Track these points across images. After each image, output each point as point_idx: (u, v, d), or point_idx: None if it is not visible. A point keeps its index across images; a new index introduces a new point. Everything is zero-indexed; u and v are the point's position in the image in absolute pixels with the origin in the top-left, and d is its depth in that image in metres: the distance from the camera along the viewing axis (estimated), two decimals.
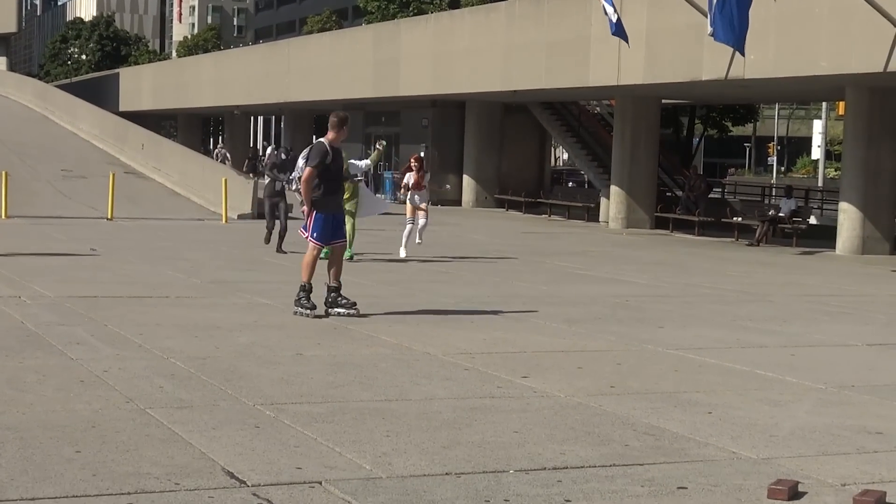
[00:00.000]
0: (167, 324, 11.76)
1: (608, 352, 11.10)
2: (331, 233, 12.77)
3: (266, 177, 21.77)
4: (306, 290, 12.80)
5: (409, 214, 20.71)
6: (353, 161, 18.47)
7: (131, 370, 9.22)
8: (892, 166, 27.63)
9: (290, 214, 21.35)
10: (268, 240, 21.08)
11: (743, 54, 22.12)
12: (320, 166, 12.61)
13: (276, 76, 51.52)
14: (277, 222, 21.05)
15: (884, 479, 6.74)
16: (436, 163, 42.49)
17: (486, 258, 21.32)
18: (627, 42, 25.45)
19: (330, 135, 12.80)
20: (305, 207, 12.89)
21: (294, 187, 16.68)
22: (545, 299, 15.16)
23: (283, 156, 21.80)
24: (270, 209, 21.23)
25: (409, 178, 20.86)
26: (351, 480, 6.32)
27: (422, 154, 27.07)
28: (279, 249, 20.47)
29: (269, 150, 55.35)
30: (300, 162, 14.47)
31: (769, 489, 6.29)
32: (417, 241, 20.69)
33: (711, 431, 7.82)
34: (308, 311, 12.68)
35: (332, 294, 12.88)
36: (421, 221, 20.68)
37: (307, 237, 12.85)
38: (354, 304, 12.89)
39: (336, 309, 12.82)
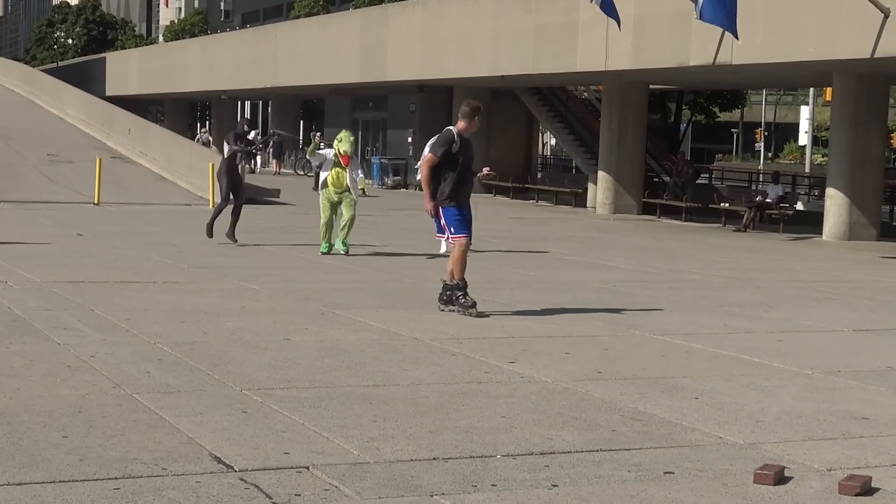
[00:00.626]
0: (154, 309, 11.75)
1: (595, 337, 11.12)
2: (465, 226, 12.03)
3: (226, 146, 19.38)
4: (462, 287, 12.00)
5: None
6: (319, 151, 18.42)
7: (118, 355, 9.20)
8: (879, 152, 27.73)
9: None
10: (210, 228, 19.02)
11: (736, 36, 22.12)
12: (445, 155, 11.85)
13: (263, 61, 51.41)
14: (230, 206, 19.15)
15: (869, 465, 6.77)
16: (422, 148, 42.49)
17: (475, 245, 21.28)
18: (619, 23, 25.34)
19: (460, 124, 12.04)
20: (428, 206, 11.93)
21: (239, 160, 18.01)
22: (533, 284, 15.17)
23: (247, 127, 19.67)
24: (229, 189, 19.04)
25: None
26: (338, 465, 6.32)
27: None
28: (231, 235, 18.84)
29: (201, 135, 55.18)
30: (426, 150, 13.06)
31: (755, 474, 6.31)
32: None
33: (698, 417, 7.84)
34: (472, 311, 11.86)
35: (452, 292, 12.12)
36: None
37: (448, 238, 12.17)
38: (474, 304, 12.02)
39: (455, 307, 12.08)
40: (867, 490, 6.17)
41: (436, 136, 12.72)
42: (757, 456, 6.84)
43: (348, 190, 18.08)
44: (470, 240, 12.22)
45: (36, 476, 5.89)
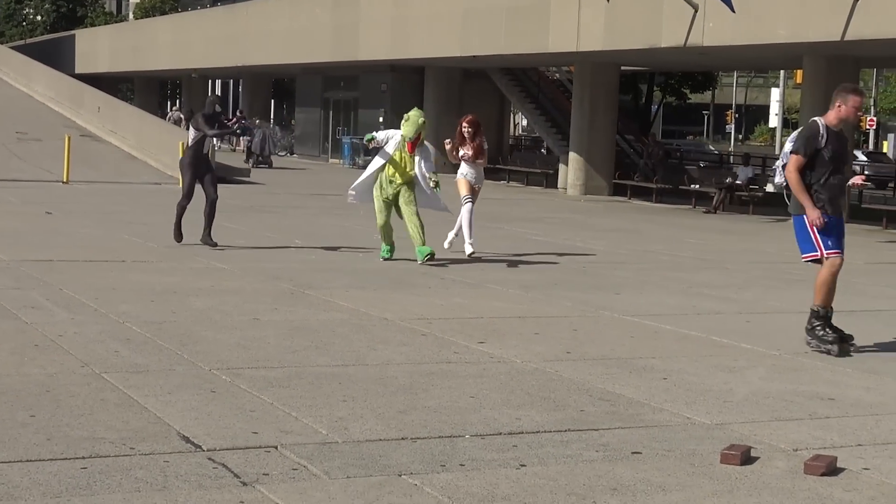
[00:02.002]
0: (123, 288, 11.70)
1: (565, 318, 11.14)
2: (837, 241, 9.91)
3: (192, 132, 16.00)
4: (822, 317, 9.91)
5: (464, 191, 15.69)
6: (426, 145, 15.11)
7: (87, 334, 9.17)
8: (848, 135, 27.81)
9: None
10: (178, 231, 15.73)
11: (732, 10, 22.12)
12: (808, 153, 9.69)
13: (234, 39, 51.17)
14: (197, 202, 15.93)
15: (835, 445, 6.82)
16: (394, 128, 42.40)
17: (443, 224, 21.29)
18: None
19: (830, 114, 9.87)
20: (813, 214, 9.71)
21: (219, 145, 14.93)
22: (503, 265, 15.18)
23: (217, 107, 16.19)
24: (193, 183, 15.75)
25: (465, 149, 15.80)
26: (307, 445, 6.32)
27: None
28: (207, 239, 15.58)
29: (172, 114, 54.91)
30: (787, 147, 10.11)
31: (722, 454, 6.34)
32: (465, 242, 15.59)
33: (666, 397, 7.87)
34: (830, 348, 9.74)
35: (821, 322, 9.97)
36: (464, 214, 15.56)
37: (822, 255, 9.90)
38: (836, 339, 9.84)
39: (812, 340, 9.94)
40: (832, 470, 6.22)
41: (796, 131, 10.41)
42: (724, 436, 6.88)
43: (408, 183, 14.85)
44: (842, 258, 10.04)
45: (3, 455, 5.87)
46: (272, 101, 65.43)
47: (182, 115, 53.27)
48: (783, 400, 7.96)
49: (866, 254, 19.75)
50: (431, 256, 14.44)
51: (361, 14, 40.82)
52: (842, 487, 6.00)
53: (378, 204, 14.82)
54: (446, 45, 36.00)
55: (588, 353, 9.37)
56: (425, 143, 15.04)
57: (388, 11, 39.33)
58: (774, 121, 71.39)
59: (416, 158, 14.77)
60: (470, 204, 15.53)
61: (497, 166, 40.03)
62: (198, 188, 15.73)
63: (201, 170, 15.76)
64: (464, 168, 15.85)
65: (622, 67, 36.25)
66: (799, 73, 39.83)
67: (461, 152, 15.72)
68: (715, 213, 28.91)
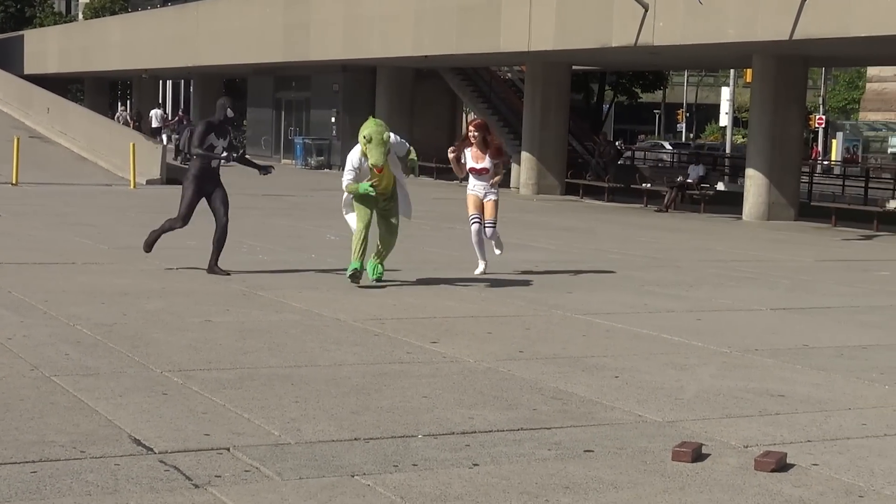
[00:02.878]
0: (73, 290, 11.62)
1: (517, 317, 11.17)
2: None
3: (194, 141, 13.36)
4: None
5: (471, 209, 14.15)
6: (394, 139, 12.90)
7: (36, 337, 9.10)
8: (797, 133, 28.07)
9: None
10: (151, 244, 13.84)
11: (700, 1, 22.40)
12: None
13: (184, 39, 50.88)
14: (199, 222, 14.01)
15: (785, 441, 6.88)
16: (346, 128, 42.33)
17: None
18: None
19: None
20: None
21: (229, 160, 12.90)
22: (456, 265, 15.19)
23: (230, 112, 13.43)
24: (193, 200, 13.45)
25: (468, 154, 14.12)
26: (259, 447, 6.31)
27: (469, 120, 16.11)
28: (214, 268, 13.30)
29: (155, 112, 54.62)
30: None
31: (673, 451, 6.38)
32: (496, 251, 14.43)
33: (618, 395, 7.91)
34: None
35: None
36: (488, 230, 14.11)
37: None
38: None
39: None
40: (782, 466, 6.27)
41: None
42: (675, 433, 6.93)
43: (389, 196, 12.93)
44: None
45: None
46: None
47: (129, 117, 52.96)
48: (734, 397, 8.02)
49: (816, 251, 19.94)
50: (355, 275, 12.54)
51: (313, 14, 40.70)
52: (791, 483, 6.05)
53: (358, 206, 12.74)
54: (398, 44, 35.97)
55: (540, 352, 9.40)
56: (390, 143, 12.67)
57: (340, 11, 39.24)
58: (725, 119, 71.78)
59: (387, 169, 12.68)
60: (476, 225, 13.98)
61: (450, 166, 40.07)
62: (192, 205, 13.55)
63: (208, 187, 13.27)
64: (472, 180, 14.14)
65: (573, 67, 36.34)
66: (748, 72, 40.10)
67: (469, 163, 14.03)
68: (666, 211, 29.06)
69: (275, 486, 5.68)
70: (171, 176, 30.52)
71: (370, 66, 41.39)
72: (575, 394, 7.91)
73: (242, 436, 6.50)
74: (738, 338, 10.45)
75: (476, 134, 13.92)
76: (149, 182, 29.84)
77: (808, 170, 39.58)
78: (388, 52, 36.62)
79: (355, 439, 6.55)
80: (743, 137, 66.54)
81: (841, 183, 41.39)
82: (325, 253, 15.70)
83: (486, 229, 14.05)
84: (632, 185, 32.69)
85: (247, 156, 15.07)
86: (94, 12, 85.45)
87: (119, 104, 78.45)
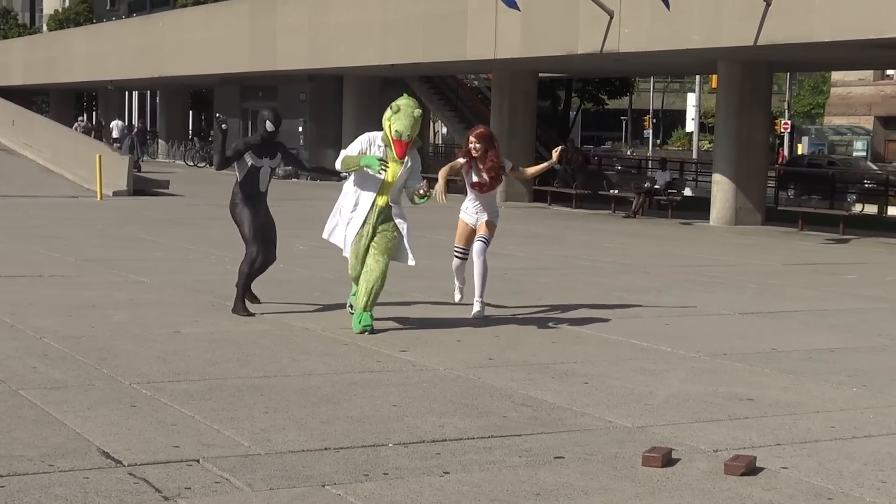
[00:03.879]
0: (40, 303, 11.55)
1: (487, 324, 11.16)
2: None
3: (234, 158, 11.28)
4: None
5: (457, 239, 12.02)
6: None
7: (3, 351, 9.04)
8: (763, 138, 28.24)
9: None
10: (242, 302, 11.30)
11: (668, 7, 22.55)
12: None
13: (150, 50, 50.73)
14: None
15: (754, 445, 6.91)
16: (314, 137, 42.29)
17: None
18: (517, 7, 25.24)
19: None
20: None
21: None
22: (425, 273, 15.18)
23: (269, 126, 11.55)
24: (255, 224, 11.29)
25: (468, 168, 11.77)
26: (229, 458, 6.29)
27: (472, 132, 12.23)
28: (246, 298, 11.44)
29: (116, 123, 54.53)
30: None
31: (643, 457, 6.40)
32: (476, 278, 11.62)
33: (588, 401, 7.92)
34: None
35: None
36: (478, 244, 11.67)
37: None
38: None
39: None
40: (752, 470, 6.30)
41: None
42: (645, 439, 6.94)
43: (389, 211, 10.71)
44: None
45: None
46: (190, 112, 64.88)
47: (88, 127, 52.71)
48: (703, 402, 8.04)
49: (783, 255, 20.04)
50: (369, 330, 10.39)
51: (278, 23, 40.65)
52: (761, 487, 6.07)
53: (357, 247, 10.66)
54: (365, 53, 35.97)
55: (510, 359, 9.40)
56: (415, 149, 10.87)
57: (306, 20, 39.21)
58: (691, 125, 72.12)
59: (405, 167, 10.71)
60: (459, 261, 12.00)
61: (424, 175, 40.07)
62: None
63: (260, 214, 11.33)
64: (467, 199, 11.99)
65: (540, 74, 36.44)
66: (714, 77, 40.28)
67: (473, 176, 11.74)
68: (634, 217, 29.14)
69: (245, 497, 5.66)
70: (137, 188, 30.41)
71: (337, 76, 41.37)
72: (545, 400, 7.91)
73: (212, 447, 6.48)
74: (706, 342, 10.49)
75: (478, 146, 11.61)
76: (115, 194, 29.69)
77: (774, 174, 39.77)
78: (355, 61, 36.61)
79: (325, 449, 6.53)
80: (710, 143, 66.85)
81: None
82: (294, 263, 15.66)
83: (476, 243, 11.70)
84: (599, 192, 32.77)
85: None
86: (59, 24, 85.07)
87: (76, 115, 78.06)
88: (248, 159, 11.24)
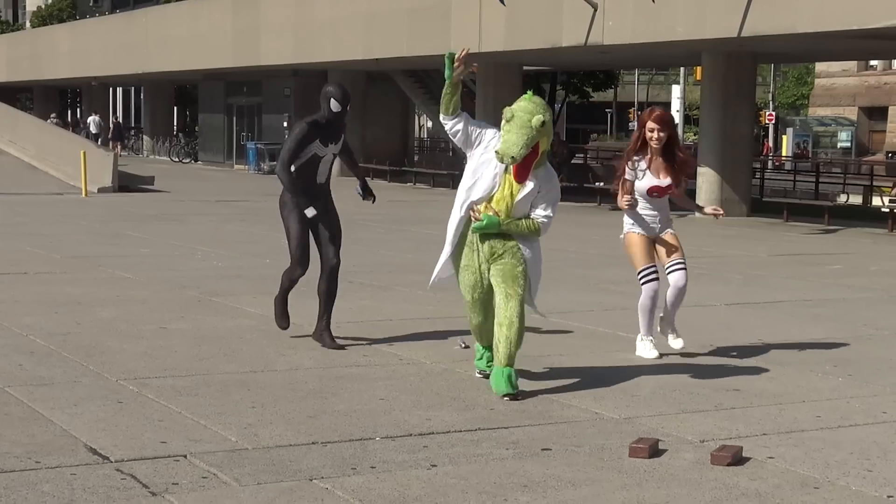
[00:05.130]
0: (26, 300, 11.53)
1: None
2: None
3: (285, 153, 9.37)
4: None
5: (640, 258, 9.58)
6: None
7: None
8: (748, 130, 28.30)
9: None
10: (283, 311, 9.83)
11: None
12: None
13: (134, 46, 50.62)
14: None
15: (741, 435, 6.93)
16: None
17: (351, 227, 21.26)
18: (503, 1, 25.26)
19: None
20: None
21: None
22: (411, 267, 15.19)
23: (335, 107, 9.47)
24: (304, 231, 9.44)
25: (641, 166, 9.27)
26: (216, 453, 6.29)
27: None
28: (325, 335, 9.50)
29: (93, 119, 54.40)
30: None
31: (630, 448, 6.42)
32: (671, 335, 9.53)
33: (574, 393, 7.94)
34: None
35: None
36: (677, 274, 9.60)
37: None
38: None
39: None
40: (738, 460, 6.32)
41: None
42: (632, 430, 6.96)
43: (510, 239, 8.03)
44: None
45: None
46: (175, 107, 64.75)
47: (59, 123, 52.53)
48: (689, 392, 8.06)
49: (768, 246, 20.08)
50: (513, 396, 7.69)
51: (262, 19, 40.59)
52: (748, 476, 6.09)
53: (469, 280, 8.05)
54: (349, 48, 35.93)
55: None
56: (547, 163, 8.29)
57: (290, 16, 39.16)
58: (676, 117, 72.22)
59: (525, 192, 8.02)
60: (652, 284, 9.37)
61: (403, 168, 40.06)
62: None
63: (318, 213, 9.39)
64: (637, 211, 9.41)
65: (525, 67, 36.44)
66: (698, 69, 40.32)
67: (647, 179, 9.17)
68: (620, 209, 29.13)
69: (232, 491, 5.67)
70: (122, 184, 30.34)
71: (321, 70, 41.30)
72: (532, 392, 7.92)
73: (199, 442, 6.48)
74: (692, 333, 10.49)
75: (662, 135, 9.08)
76: (101, 190, 29.62)
77: (759, 166, 39.84)
78: (339, 55, 36.58)
79: (313, 443, 6.53)
80: (694, 135, 66.95)
81: (792, 178, 41.71)
82: (280, 258, 15.62)
83: (675, 272, 9.46)
84: (584, 185, 32.79)
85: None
86: (42, 20, 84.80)
87: (73, 112, 77.86)
88: (312, 149, 9.36)
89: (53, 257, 15.35)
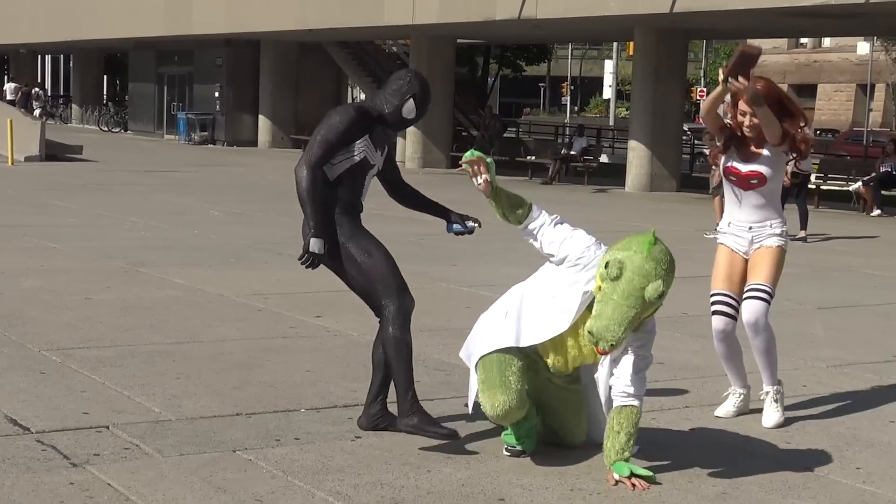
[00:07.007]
0: None
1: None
2: None
3: (316, 146, 6.45)
4: None
5: (715, 282, 7.77)
6: None
7: None
8: (679, 105, 28.49)
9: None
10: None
11: None
12: None
13: (63, 13, 49.90)
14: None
15: (664, 408, 7.01)
16: (230, 103, 41.94)
17: (279, 200, 21.17)
18: None
19: None
20: None
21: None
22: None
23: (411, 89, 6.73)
24: (385, 252, 7.18)
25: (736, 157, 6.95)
26: (139, 424, 6.26)
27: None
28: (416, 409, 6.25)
29: (9, 86, 53.68)
30: None
31: None
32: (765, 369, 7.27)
33: None
34: None
35: None
36: (755, 304, 7.28)
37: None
38: None
39: None
40: None
41: None
42: None
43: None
44: None
45: None
46: (105, 76, 63.97)
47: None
48: None
49: (696, 222, 20.26)
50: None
51: None
52: (669, 446, 6.16)
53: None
54: (282, 18, 35.67)
55: (424, 325, 9.40)
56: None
57: None
58: (608, 92, 72.48)
59: (608, 360, 6.23)
60: (722, 319, 7.48)
61: None
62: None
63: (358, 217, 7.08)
64: (727, 204, 7.42)
65: (458, 40, 36.41)
66: (631, 45, 40.54)
67: (730, 158, 6.95)
68: (551, 183, 29.28)
69: (155, 462, 5.64)
70: (50, 153, 29.96)
71: (254, 41, 41.02)
72: (458, 365, 7.91)
73: (122, 413, 6.44)
74: None
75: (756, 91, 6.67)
76: (27, 159, 29.21)
77: (689, 141, 40.14)
78: (272, 25, 36.31)
79: (237, 415, 6.52)
80: (626, 110, 67.27)
81: None
82: (208, 229, 15.56)
83: (751, 301, 7.26)
84: (516, 158, 32.87)
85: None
86: None
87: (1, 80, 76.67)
88: (360, 149, 6.69)
89: None
